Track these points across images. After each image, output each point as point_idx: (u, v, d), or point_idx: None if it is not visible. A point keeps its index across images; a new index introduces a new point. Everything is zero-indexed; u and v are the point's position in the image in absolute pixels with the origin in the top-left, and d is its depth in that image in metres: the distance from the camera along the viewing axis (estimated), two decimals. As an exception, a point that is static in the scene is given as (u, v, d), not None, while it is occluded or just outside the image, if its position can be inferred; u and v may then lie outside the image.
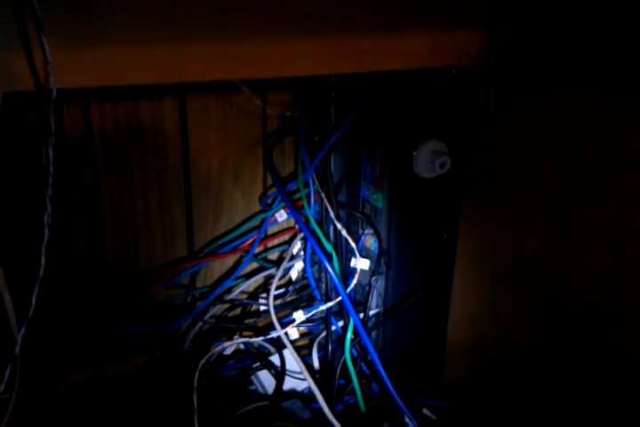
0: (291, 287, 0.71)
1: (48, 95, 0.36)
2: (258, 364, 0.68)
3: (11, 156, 0.57)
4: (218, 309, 0.70)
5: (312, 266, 0.69)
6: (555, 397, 0.53)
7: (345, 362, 0.62)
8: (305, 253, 0.68)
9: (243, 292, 0.72)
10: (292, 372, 0.67)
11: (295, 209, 0.65)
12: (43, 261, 0.37)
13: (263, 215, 0.71)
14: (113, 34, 0.38)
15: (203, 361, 0.61)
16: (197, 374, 0.59)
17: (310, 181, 0.64)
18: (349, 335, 0.61)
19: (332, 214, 0.61)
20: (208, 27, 0.41)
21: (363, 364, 0.65)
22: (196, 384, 0.58)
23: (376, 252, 0.63)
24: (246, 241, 0.70)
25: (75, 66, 0.37)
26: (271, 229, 0.74)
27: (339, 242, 0.63)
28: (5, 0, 0.34)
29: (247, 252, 0.70)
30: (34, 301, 0.37)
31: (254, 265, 0.74)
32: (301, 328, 0.69)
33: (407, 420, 0.59)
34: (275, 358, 0.67)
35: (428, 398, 0.65)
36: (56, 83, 0.36)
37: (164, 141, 0.65)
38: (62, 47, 0.36)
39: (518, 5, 0.50)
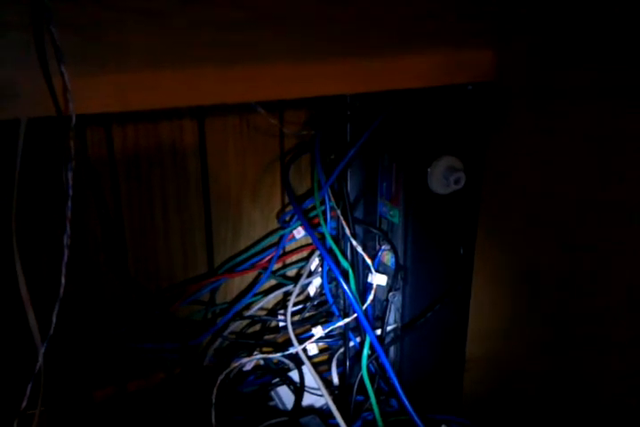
0: (309, 303, 0.72)
1: (68, 121, 0.37)
2: (277, 380, 0.69)
3: (38, 175, 0.59)
4: (237, 325, 0.71)
5: (330, 282, 0.69)
6: (578, 412, 0.52)
7: (362, 378, 0.62)
8: (322, 269, 0.69)
9: (261, 308, 0.73)
10: (311, 388, 0.67)
11: (311, 227, 0.66)
12: (63, 280, 0.38)
13: (281, 232, 0.71)
14: (129, 60, 0.39)
15: (222, 377, 0.62)
16: (215, 390, 0.59)
17: (326, 198, 0.65)
18: (366, 352, 0.61)
19: (347, 231, 0.62)
20: (222, 50, 0.42)
21: (380, 380, 0.65)
22: (214, 400, 0.58)
23: (393, 267, 0.63)
24: (265, 258, 0.71)
25: (93, 92, 0.38)
26: (289, 246, 0.74)
27: (355, 258, 0.64)
28: (26, 30, 0.36)
29: (265, 268, 0.70)
30: (54, 319, 0.39)
31: (273, 282, 0.74)
32: (321, 344, 0.70)
33: (424, 436, 0.59)
34: (294, 374, 0.68)
35: (447, 415, 0.65)
36: (75, 109, 0.37)
37: (183, 162, 0.66)
38: (80, 74, 0.37)
39: (531, 23, 0.50)
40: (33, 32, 0.36)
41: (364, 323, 0.60)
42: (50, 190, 0.60)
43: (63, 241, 0.38)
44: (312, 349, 0.68)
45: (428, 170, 0.58)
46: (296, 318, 0.71)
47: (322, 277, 0.69)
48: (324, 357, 0.72)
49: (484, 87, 0.56)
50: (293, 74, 0.45)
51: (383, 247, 0.64)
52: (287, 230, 0.70)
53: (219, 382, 0.60)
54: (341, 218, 0.63)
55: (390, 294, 0.63)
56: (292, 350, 0.64)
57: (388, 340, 0.65)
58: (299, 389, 0.66)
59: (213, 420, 0.57)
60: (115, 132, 0.61)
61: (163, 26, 0.39)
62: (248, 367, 0.69)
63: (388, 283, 0.63)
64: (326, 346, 0.72)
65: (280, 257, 0.72)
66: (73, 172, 0.38)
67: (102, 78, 0.38)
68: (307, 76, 0.46)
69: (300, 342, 0.64)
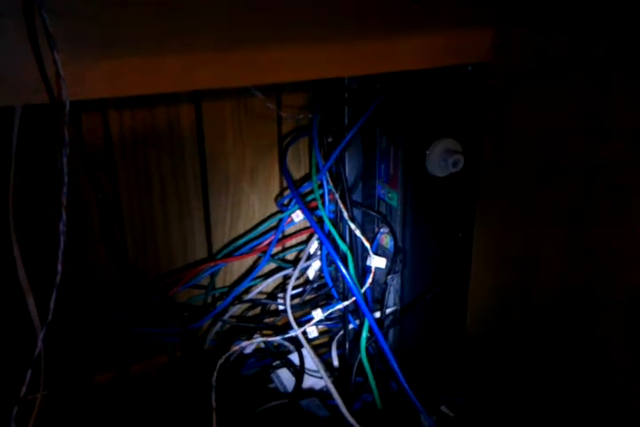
0: (308, 286, 0.72)
1: (62, 108, 0.37)
2: (277, 362, 0.69)
3: (34, 162, 0.58)
4: (237, 308, 0.71)
5: (329, 265, 0.69)
6: (578, 391, 0.53)
7: (361, 360, 0.63)
8: (321, 252, 0.69)
9: (261, 292, 0.73)
10: (311, 370, 0.68)
11: (309, 210, 0.66)
12: (59, 267, 0.38)
13: (280, 216, 0.71)
14: (123, 45, 0.38)
15: (222, 360, 0.62)
16: (215, 373, 0.60)
17: (324, 182, 0.65)
18: (365, 335, 0.61)
19: (345, 215, 0.62)
20: (218, 34, 0.41)
21: (379, 362, 0.66)
22: (214, 383, 0.59)
23: (392, 250, 0.63)
24: (264, 242, 0.71)
25: (86, 78, 0.38)
26: (288, 230, 0.74)
27: (354, 242, 0.64)
28: (18, 17, 0.35)
29: (265, 252, 0.70)
30: (52, 305, 0.39)
31: (272, 265, 0.75)
32: (320, 326, 0.70)
33: (423, 417, 0.59)
34: (294, 357, 0.68)
35: (447, 396, 0.66)
36: (69, 95, 0.37)
37: (180, 146, 0.66)
38: (74, 60, 0.37)
39: (531, 4, 0.50)
40: (25, 18, 0.35)
41: (363, 307, 0.60)
42: (47, 176, 0.59)
43: (59, 228, 0.38)
44: (312, 331, 0.68)
45: (427, 152, 0.58)
46: (296, 301, 0.71)
47: (321, 261, 0.69)
48: (325, 339, 0.72)
49: (483, 68, 0.55)
50: (291, 57, 0.45)
51: (382, 230, 0.64)
52: (286, 214, 0.70)
53: (218, 365, 0.61)
54: (339, 201, 0.63)
55: (389, 276, 0.63)
56: (291, 333, 0.64)
57: (387, 322, 0.65)
58: (299, 371, 0.66)
59: (214, 402, 0.58)
60: (111, 118, 0.61)
61: (158, 10, 0.39)
62: (248, 350, 0.69)
63: (387, 266, 0.63)
64: (326, 329, 0.72)
65: (279, 241, 0.73)
66: (68, 158, 0.38)
67: (96, 64, 0.38)
68: (305, 58, 0.45)
69: (300, 324, 0.65)
